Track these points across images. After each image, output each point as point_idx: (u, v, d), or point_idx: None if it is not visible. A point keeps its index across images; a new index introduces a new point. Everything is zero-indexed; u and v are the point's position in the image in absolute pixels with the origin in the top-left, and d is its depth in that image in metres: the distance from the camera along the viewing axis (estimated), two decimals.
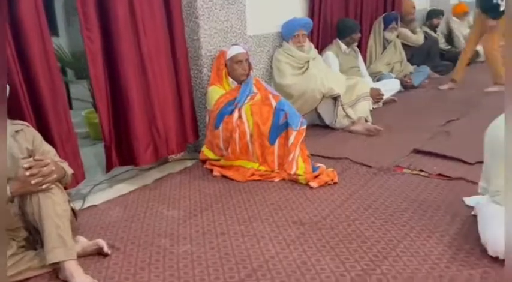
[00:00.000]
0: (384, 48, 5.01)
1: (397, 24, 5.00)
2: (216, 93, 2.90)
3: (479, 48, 6.74)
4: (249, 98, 2.86)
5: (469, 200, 2.28)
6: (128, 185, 2.79)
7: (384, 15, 4.96)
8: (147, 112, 2.75)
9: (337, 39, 4.33)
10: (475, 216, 2.08)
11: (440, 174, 2.69)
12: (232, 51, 2.92)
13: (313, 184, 2.61)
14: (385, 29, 4.92)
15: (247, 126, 2.76)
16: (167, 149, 2.88)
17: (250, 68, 2.94)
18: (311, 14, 4.13)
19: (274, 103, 2.84)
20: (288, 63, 3.73)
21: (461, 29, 6.89)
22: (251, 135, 2.76)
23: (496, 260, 1.78)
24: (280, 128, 2.76)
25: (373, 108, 4.15)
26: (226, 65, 2.95)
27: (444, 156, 2.94)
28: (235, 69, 2.91)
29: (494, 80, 4.72)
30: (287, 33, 3.81)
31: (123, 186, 2.77)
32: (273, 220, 2.24)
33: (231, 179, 2.75)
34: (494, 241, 1.78)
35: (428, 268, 1.78)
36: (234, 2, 3.23)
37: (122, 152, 2.76)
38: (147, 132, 2.76)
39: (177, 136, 2.94)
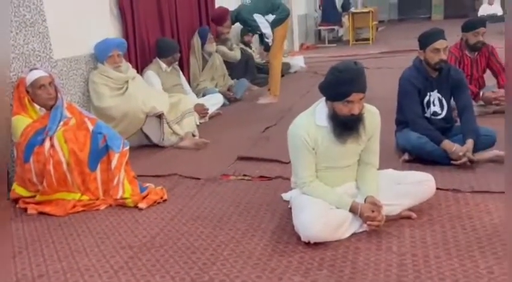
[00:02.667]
0: (206, 62, 5.21)
1: (213, 35, 5.25)
2: (21, 122, 2.62)
3: (290, 60, 7.59)
4: (61, 123, 2.66)
5: (285, 195, 2.49)
6: None
7: (198, 30, 5.16)
8: None
9: (157, 59, 4.35)
10: (290, 208, 2.29)
11: (261, 176, 2.89)
12: (31, 77, 2.68)
13: (142, 205, 2.55)
14: (203, 43, 5.12)
15: (62, 155, 2.55)
16: None
17: (57, 91, 2.73)
18: (125, 34, 4.07)
19: (91, 127, 2.70)
20: (105, 85, 3.59)
21: None
22: (68, 164, 2.57)
23: (309, 244, 1.99)
24: (100, 152, 2.63)
25: (200, 122, 4.29)
26: (28, 92, 2.69)
27: (264, 160, 3.17)
28: (39, 94, 2.67)
29: (272, 91, 5.19)
30: (101, 55, 3.68)
31: None
32: (99, 250, 2.11)
33: (50, 215, 2.51)
34: (305, 228, 1.98)
35: (252, 264, 1.89)
36: (33, 24, 2.98)
37: None
38: None
39: None
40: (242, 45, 6.35)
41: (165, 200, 2.62)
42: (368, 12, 10.51)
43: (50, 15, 3.13)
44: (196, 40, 5.12)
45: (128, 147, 2.73)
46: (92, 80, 3.62)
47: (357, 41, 10.75)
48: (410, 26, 13.55)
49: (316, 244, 1.98)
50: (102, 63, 3.67)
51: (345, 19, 11.07)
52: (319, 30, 11.66)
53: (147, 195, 2.62)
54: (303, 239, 2.00)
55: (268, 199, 2.54)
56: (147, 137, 3.63)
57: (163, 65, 4.33)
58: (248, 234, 2.16)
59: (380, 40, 10.87)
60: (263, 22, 4.90)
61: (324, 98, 2.13)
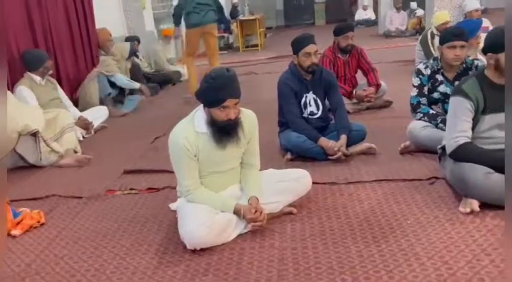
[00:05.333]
0: None
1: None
2: None
3: (181, 68, 7.54)
4: None
5: (172, 205, 2.46)
6: None
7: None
8: None
9: (28, 72, 4.03)
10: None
11: (149, 188, 2.83)
12: None
13: (16, 232, 2.34)
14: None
15: None
16: None
17: None
18: None
19: None
20: None
21: (165, 53, 7.57)
22: None
23: (196, 252, 1.99)
24: None
25: (83, 137, 4.07)
26: None
27: (152, 171, 3.10)
28: None
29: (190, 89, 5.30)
30: None
31: None
32: None
33: None
34: (190, 236, 1.98)
35: (137, 280, 1.84)
36: None
37: None
38: None
39: None
40: None
41: (42, 224, 2.44)
42: (255, 19, 10.86)
43: None
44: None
45: None
46: None
47: (246, 47, 11.03)
48: (296, 31, 14.16)
49: (203, 250, 1.99)
50: None
51: (234, 26, 11.31)
52: None
53: (21, 220, 2.42)
54: (189, 247, 1.99)
55: (155, 211, 2.49)
56: (22, 157, 3.34)
57: (37, 78, 4.02)
58: (133, 249, 2.09)
59: (268, 46, 11.29)
60: None
61: (201, 105, 2.16)
